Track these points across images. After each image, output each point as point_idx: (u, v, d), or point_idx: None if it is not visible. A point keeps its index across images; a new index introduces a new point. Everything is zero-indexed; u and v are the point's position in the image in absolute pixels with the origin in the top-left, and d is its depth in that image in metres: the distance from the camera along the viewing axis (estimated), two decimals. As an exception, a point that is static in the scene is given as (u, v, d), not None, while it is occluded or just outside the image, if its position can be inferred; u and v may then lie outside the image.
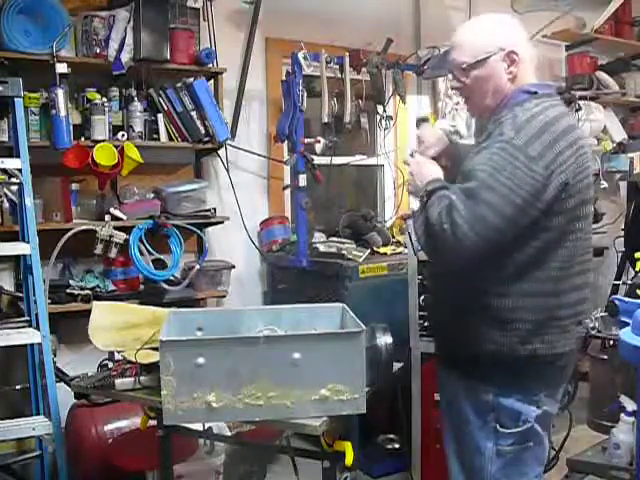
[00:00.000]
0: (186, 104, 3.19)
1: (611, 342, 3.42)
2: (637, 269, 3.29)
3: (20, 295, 2.77)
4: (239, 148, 3.59)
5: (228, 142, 3.42)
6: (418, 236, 1.76)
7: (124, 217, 3.08)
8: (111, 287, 3.10)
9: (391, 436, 3.21)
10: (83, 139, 3.00)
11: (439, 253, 1.73)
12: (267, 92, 3.75)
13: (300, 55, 3.36)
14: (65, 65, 2.88)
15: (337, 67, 3.40)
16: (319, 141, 3.31)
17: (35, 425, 2.47)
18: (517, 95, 1.80)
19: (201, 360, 1.64)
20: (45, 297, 2.62)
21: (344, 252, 3.25)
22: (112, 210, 3.07)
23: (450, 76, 1.92)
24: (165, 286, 3.12)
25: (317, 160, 3.30)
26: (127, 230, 3.03)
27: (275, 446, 2.56)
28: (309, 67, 3.38)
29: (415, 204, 1.85)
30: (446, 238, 1.64)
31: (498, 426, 1.76)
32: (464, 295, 1.79)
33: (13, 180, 2.49)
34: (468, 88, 1.86)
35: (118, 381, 1.90)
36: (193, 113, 3.21)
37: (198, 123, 3.22)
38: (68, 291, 2.98)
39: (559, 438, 3.03)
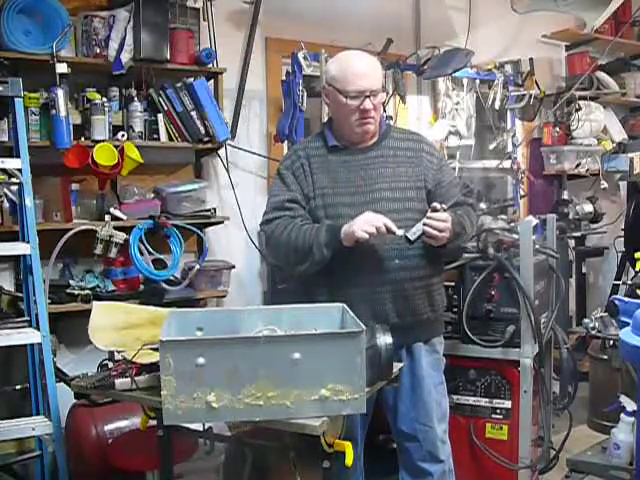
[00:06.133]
0: (186, 104, 3.19)
1: (611, 342, 3.43)
2: (637, 269, 3.29)
3: (20, 295, 2.76)
4: (239, 148, 3.59)
5: (228, 142, 3.42)
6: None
7: (124, 217, 3.07)
8: (111, 287, 3.10)
9: (391, 436, 3.21)
10: (83, 139, 2.99)
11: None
12: (267, 92, 3.74)
13: (300, 55, 3.36)
14: (65, 65, 2.88)
15: (337, 67, 3.41)
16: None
17: (35, 425, 2.46)
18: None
19: (201, 360, 1.64)
20: (45, 297, 2.61)
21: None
22: (112, 210, 3.07)
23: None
24: (165, 286, 3.11)
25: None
26: (127, 230, 3.03)
27: (275, 446, 2.56)
28: (309, 67, 3.38)
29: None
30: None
31: None
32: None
33: (13, 180, 2.48)
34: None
35: (118, 381, 1.89)
36: (193, 113, 3.21)
37: (198, 123, 3.22)
38: (68, 291, 2.98)
39: (559, 438, 3.03)
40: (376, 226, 2.05)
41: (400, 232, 2.09)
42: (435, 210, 2.10)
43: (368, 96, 2.17)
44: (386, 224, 2.07)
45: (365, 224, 2.06)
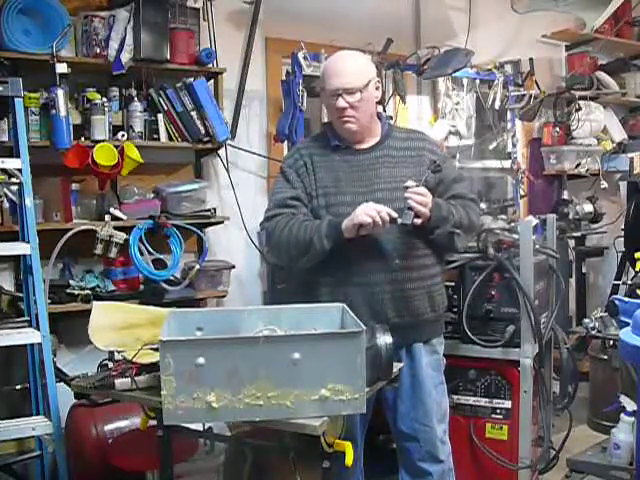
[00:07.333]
0: (186, 104, 3.19)
1: (611, 342, 3.43)
2: (637, 269, 3.30)
3: (20, 295, 2.76)
4: (239, 148, 3.59)
5: (228, 142, 3.42)
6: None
7: (124, 217, 3.07)
8: (111, 287, 3.10)
9: (391, 436, 3.21)
10: (83, 139, 2.99)
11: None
12: (267, 92, 3.74)
13: (300, 55, 3.37)
14: (65, 65, 2.88)
15: (337, 67, 3.41)
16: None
17: (35, 425, 2.46)
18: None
19: (201, 360, 1.64)
20: (45, 297, 2.62)
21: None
22: (112, 210, 3.07)
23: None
24: (165, 286, 3.11)
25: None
26: (127, 230, 3.02)
27: (275, 446, 2.56)
28: (309, 67, 3.39)
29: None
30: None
31: None
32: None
33: (13, 180, 2.48)
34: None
35: (118, 381, 1.89)
36: (193, 113, 3.21)
37: (198, 123, 3.22)
38: (68, 291, 2.97)
39: (559, 438, 3.03)
40: (377, 210, 2.06)
41: (399, 220, 2.12)
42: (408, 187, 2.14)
43: (341, 94, 2.19)
44: (388, 212, 2.08)
45: (367, 209, 2.08)
